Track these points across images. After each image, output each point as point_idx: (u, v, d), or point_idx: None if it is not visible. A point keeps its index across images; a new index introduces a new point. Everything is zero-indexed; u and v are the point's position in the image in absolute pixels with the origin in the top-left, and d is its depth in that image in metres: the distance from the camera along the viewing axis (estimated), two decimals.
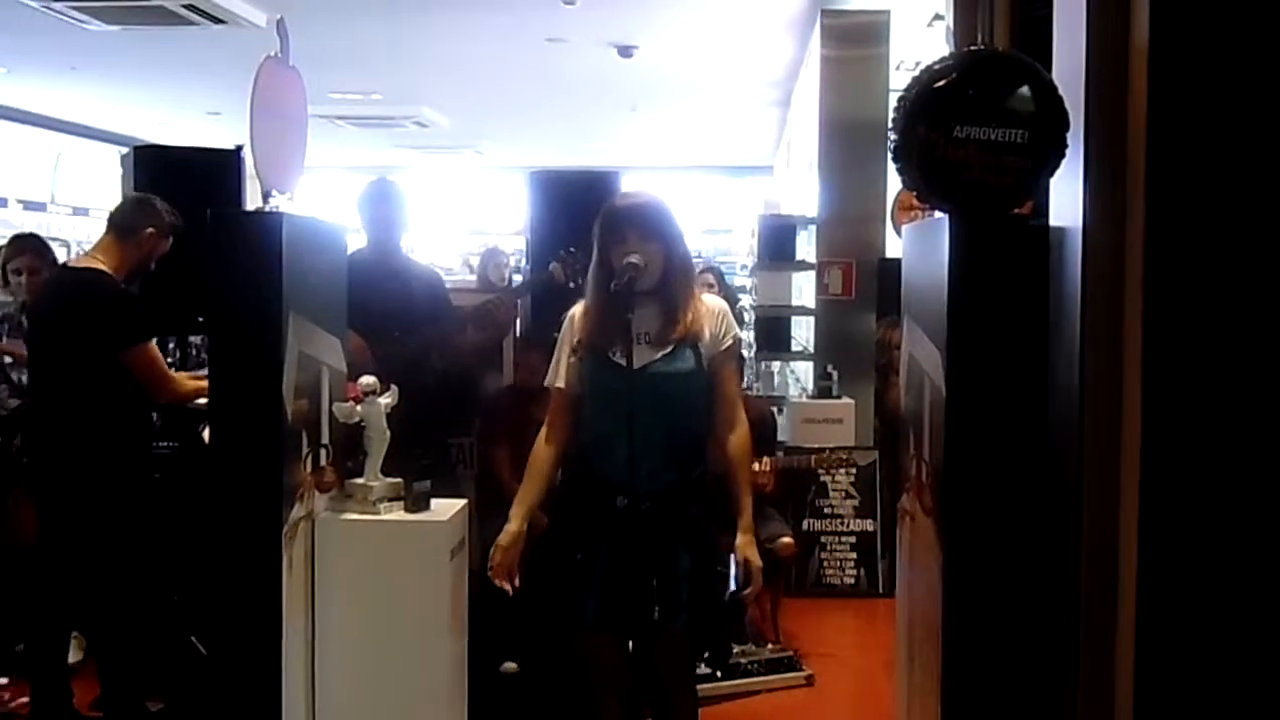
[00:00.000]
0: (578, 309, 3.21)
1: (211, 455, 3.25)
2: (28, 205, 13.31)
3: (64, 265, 4.51)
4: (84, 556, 3.91)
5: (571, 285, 4.24)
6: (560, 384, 3.17)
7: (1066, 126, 2.68)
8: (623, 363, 3.00)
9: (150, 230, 4.01)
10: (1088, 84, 2.65)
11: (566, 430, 3.18)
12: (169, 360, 5.07)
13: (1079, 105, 2.67)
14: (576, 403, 3.15)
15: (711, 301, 3.22)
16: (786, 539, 5.21)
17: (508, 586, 3.09)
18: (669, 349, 3.07)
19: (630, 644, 3.07)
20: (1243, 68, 2.44)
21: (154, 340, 3.96)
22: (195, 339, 5.13)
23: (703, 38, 9.19)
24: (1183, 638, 2.49)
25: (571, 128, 14.58)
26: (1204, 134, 2.45)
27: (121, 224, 4.04)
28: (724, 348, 3.15)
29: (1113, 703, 2.62)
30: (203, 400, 3.84)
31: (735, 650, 4.98)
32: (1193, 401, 2.47)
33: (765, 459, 4.89)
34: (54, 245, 11.15)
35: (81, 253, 4.28)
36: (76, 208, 13.84)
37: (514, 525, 3.11)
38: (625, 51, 9.54)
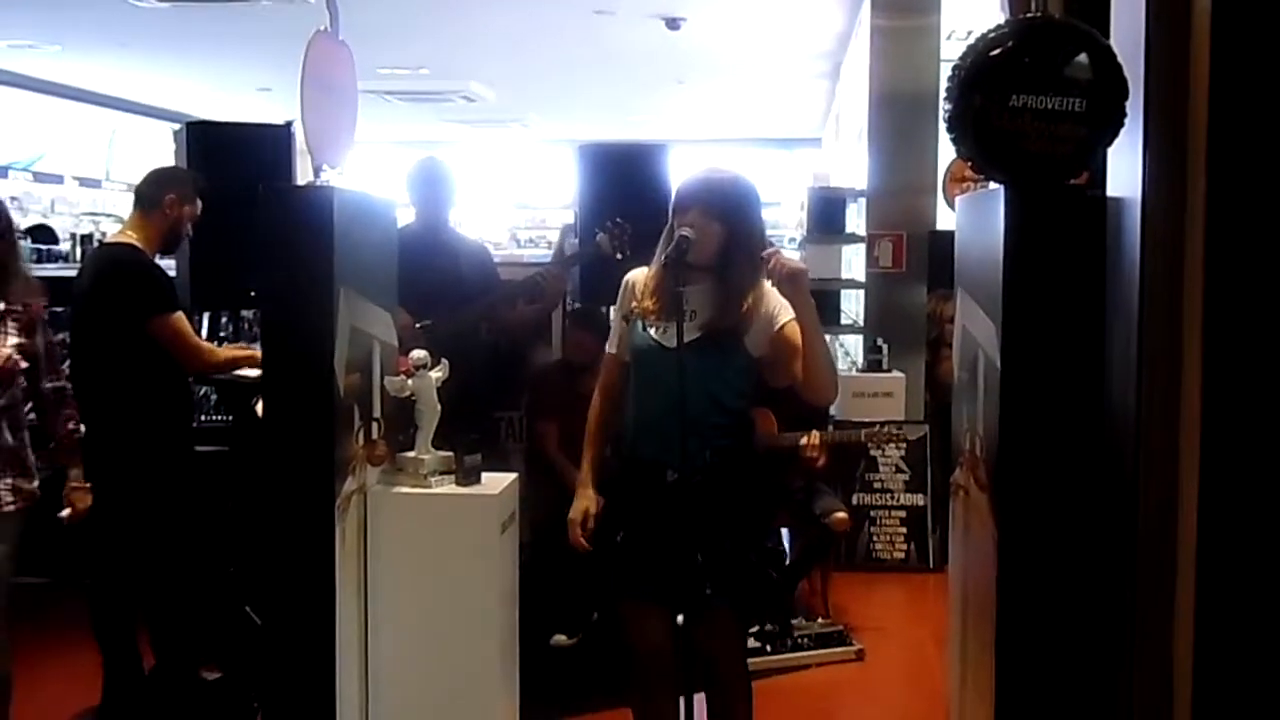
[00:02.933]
0: (636, 275, 3.18)
1: (265, 429, 3.27)
2: (83, 182, 13.47)
3: (100, 243, 4.56)
4: (126, 528, 3.96)
5: (619, 256, 4.23)
6: (613, 350, 3.21)
7: (1125, 95, 2.63)
8: (667, 340, 2.96)
9: (171, 197, 4.05)
10: (1148, 51, 2.60)
11: (617, 396, 3.21)
12: (221, 334, 5.13)
13: (1138, 73, 2.61)
14: (626, 369, 3.17)
15: (773, 293, 3.04)
16: (841, 514, 5.18)
17: (586, 546, 3.13)
18: (715, 333, 3.01)
19: (680, 619, 3.05)
20: None
21: (179, 312, 3.98)
22: (247, 313, 5.17)
23: (751, 9, 9.11)
24: (1242, 614, 2.45)
25: (618, 100, 14.53)
26: (1268, 102, 2.40)
27: (143, 197, 4.10)
28: (778, 328, 3.02)
29: (1171, 678, 2.59)
30: (255, 372, 3.88)
31: (785, 624, 4.98)
32: (1255, 377, 2.43)
33: (816, 433, 4.86)
34: (109, 221, 11.28)
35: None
36: (131, 184, 13.97)
37: (583, 501, 3.16)
38: (673, 23, 9.48)
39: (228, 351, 4.18)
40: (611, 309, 3.51)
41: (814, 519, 5.12)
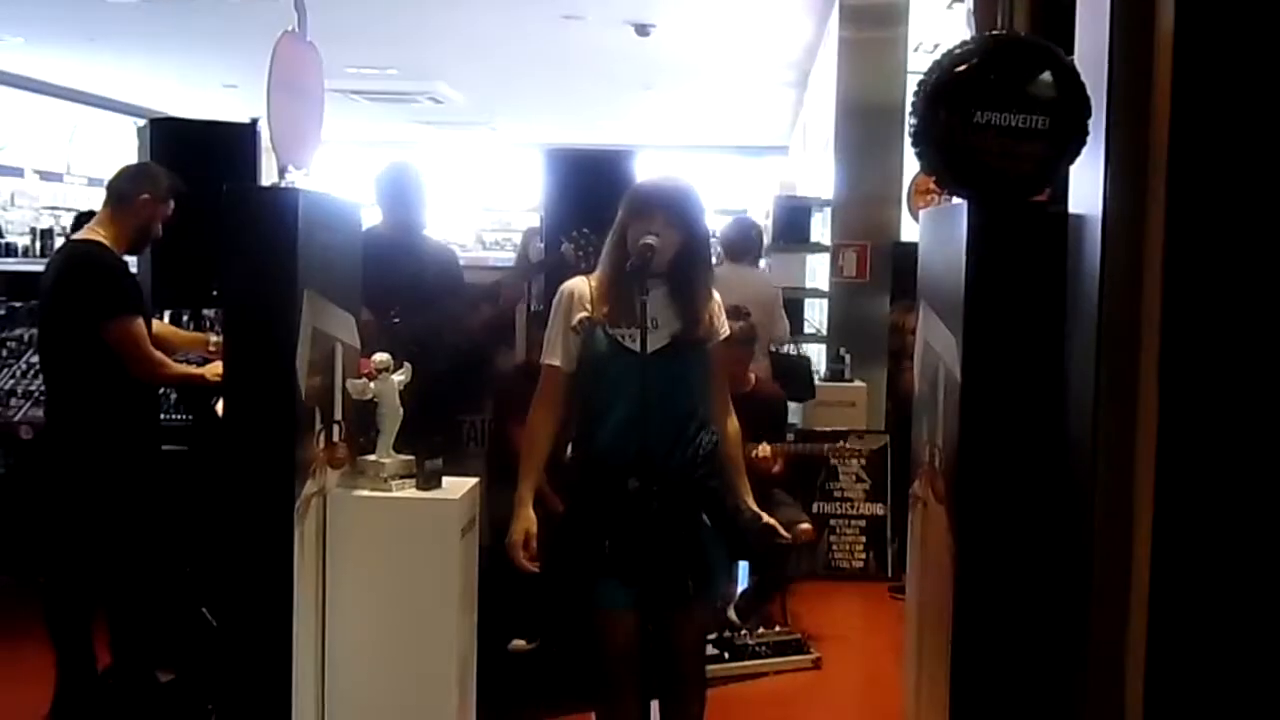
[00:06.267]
0: (577, 284, 3.15)
1: (225, 430, 3.25)
2: (44, 176, 13.33)
3: (67, 239, 4.52)
4: (87, 525, 3.93)
5: (583, 266, 4.23)
6: (556, 361, 3.11)
7: (1088, 113, 2.66)
8: (634, 347, 2.98)
9: (145, 196, 4.00)
10: (1110, 69, 2.63)
11: (560, 408, 3.14)
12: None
13: (1101, 91, 2.64)
14: (571, 381, 3.11)
15: (716, 298, 3.21)
16: (804, 525, 5.19)
17: (533, 568, 3.09)
18: (677, 341, 3.06)
19: (648, 622, 3.06)
20: (1269, 54, 2.41)
21: (138, 317, 3.92)
22: (209, 313, 5.13)
23: (720, 17, 9.15)
24: (1194, 628, 2.48)
25: (587, 105, 14.54)
26: (1228, 121, 2.43)
27: (116, 193, 4.05)
28: (719, 339, 3.16)
29: (1123, 690, 2.62)
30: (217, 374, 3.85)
31: (743, 632, 4.99)
32: (1209, 392, 2.46)
33: (765, 445, 4.90)
34: (70, 215, 11.22)
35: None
36: (92, 178, 13.85)
37: (522, 523, 3.08)
38: (642, 30, 9.50)
39: (180, 369, 4.11)
40: None
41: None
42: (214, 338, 4.30)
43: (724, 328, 3.18)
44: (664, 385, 2.99)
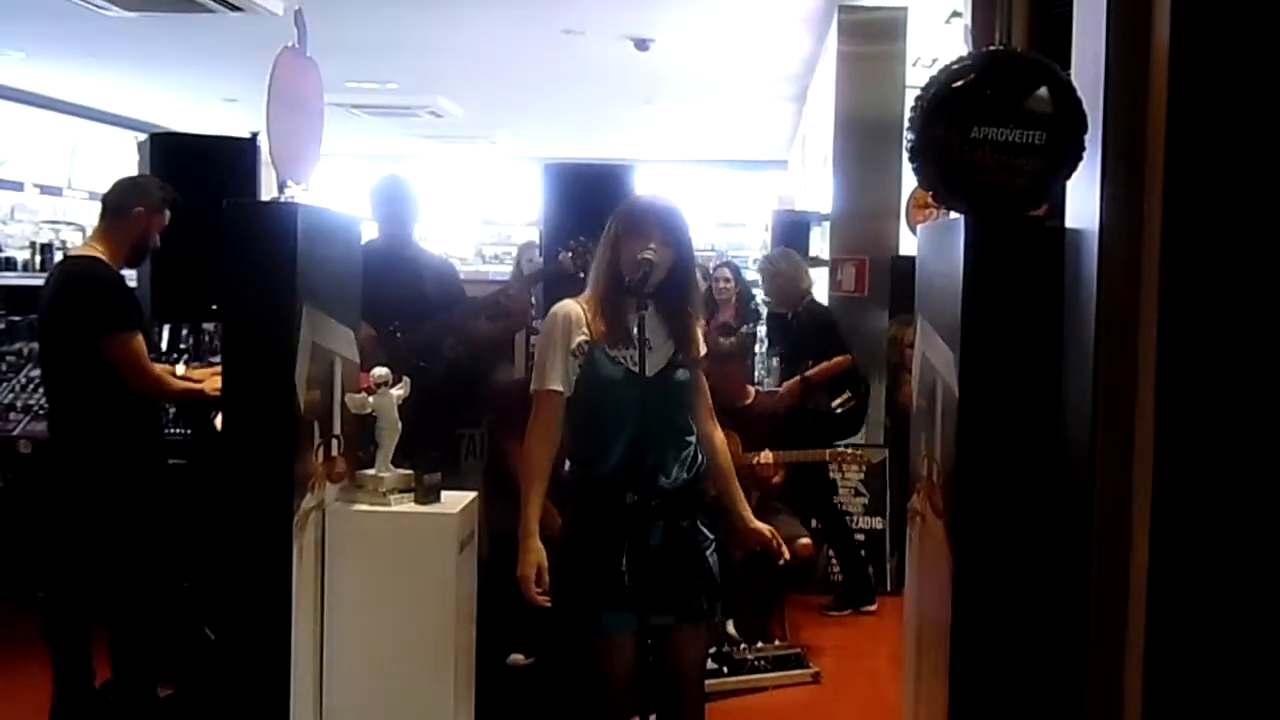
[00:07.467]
0: (569, 307, 3.12)
1: (224, 444, 3.25)
2: (44, 189, 13.33)
3: (65, 255, 4.52)
4: (89, 538, 3.93)
5: (580, 275, 4.23)
6: (557, 386, 3.06)
7: (1085, 129, 2.66)
8: (633, 366, 2.98)
9: (139, 209, 4.01)
10: (1107, 85, 2.63)
11: (557, 433, 3.10)
12: (182, 347, 5.10)
13: (1098, 106, 2.65)
14: (565, 405, 3.08)
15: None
16: (804, 540, 5.19)
17: (546, 603, 3.05)
18: (674, 361, 3.10)
19: (649, 641, 3.04)
20: (1264, 69, 2.42)
21: (136, 332, 3.91)
22: (208, 327, 5.14)
23: (719, 31, 9.17)
24: (1193, 644, 2.48)
25: (586, 120, 14.56)
26: (1224, 136, 2.44)
27: (110, 207, 4.06)
28: (698, 356, 3.20)
29: (1121, 706, 2.62)
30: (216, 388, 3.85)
31: (742, 646, 4.99)
32: (1207, 405, 2.46)
33: (768, 452, 4.91)
34: (69, 230, 11.22)
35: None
36: (93, 193, 13.86)
37: (533, 555, 3.03)
38: (641, 44, 9.51)
39: (180, 384, 4.09)
40: None
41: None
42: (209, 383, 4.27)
43: (702, 344, 3.22)
44: (663, 405, 3.02)
